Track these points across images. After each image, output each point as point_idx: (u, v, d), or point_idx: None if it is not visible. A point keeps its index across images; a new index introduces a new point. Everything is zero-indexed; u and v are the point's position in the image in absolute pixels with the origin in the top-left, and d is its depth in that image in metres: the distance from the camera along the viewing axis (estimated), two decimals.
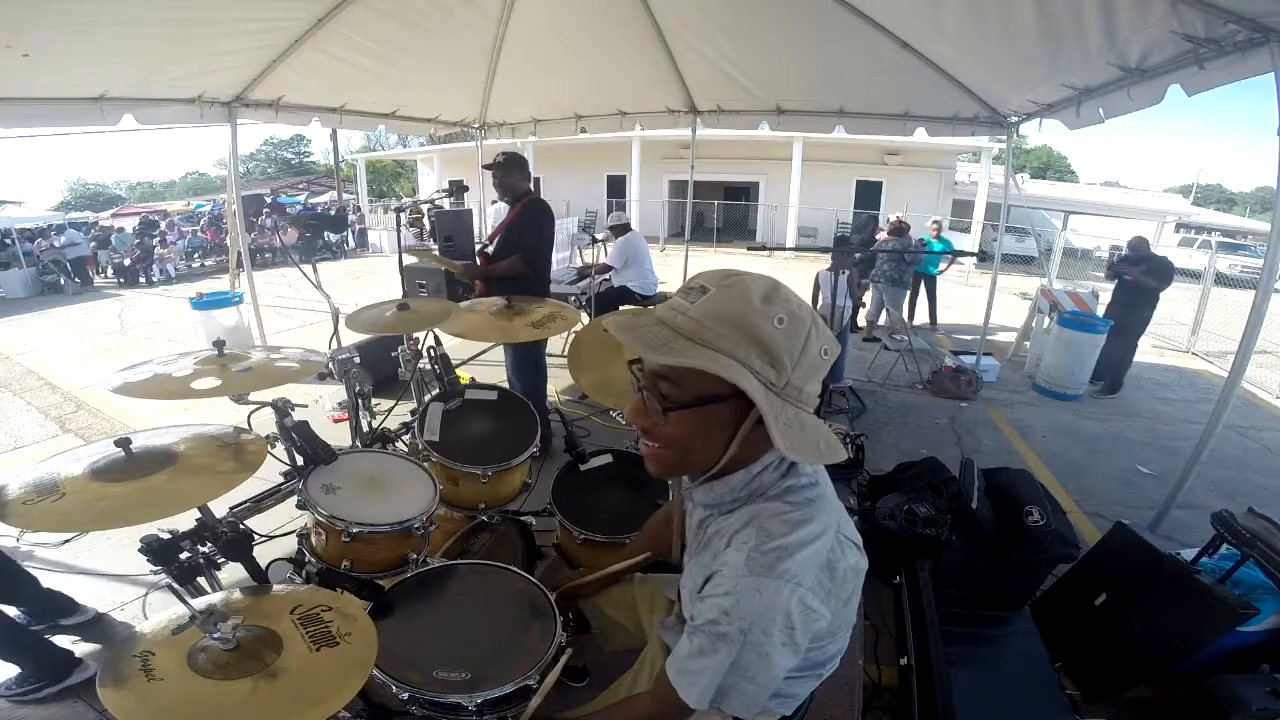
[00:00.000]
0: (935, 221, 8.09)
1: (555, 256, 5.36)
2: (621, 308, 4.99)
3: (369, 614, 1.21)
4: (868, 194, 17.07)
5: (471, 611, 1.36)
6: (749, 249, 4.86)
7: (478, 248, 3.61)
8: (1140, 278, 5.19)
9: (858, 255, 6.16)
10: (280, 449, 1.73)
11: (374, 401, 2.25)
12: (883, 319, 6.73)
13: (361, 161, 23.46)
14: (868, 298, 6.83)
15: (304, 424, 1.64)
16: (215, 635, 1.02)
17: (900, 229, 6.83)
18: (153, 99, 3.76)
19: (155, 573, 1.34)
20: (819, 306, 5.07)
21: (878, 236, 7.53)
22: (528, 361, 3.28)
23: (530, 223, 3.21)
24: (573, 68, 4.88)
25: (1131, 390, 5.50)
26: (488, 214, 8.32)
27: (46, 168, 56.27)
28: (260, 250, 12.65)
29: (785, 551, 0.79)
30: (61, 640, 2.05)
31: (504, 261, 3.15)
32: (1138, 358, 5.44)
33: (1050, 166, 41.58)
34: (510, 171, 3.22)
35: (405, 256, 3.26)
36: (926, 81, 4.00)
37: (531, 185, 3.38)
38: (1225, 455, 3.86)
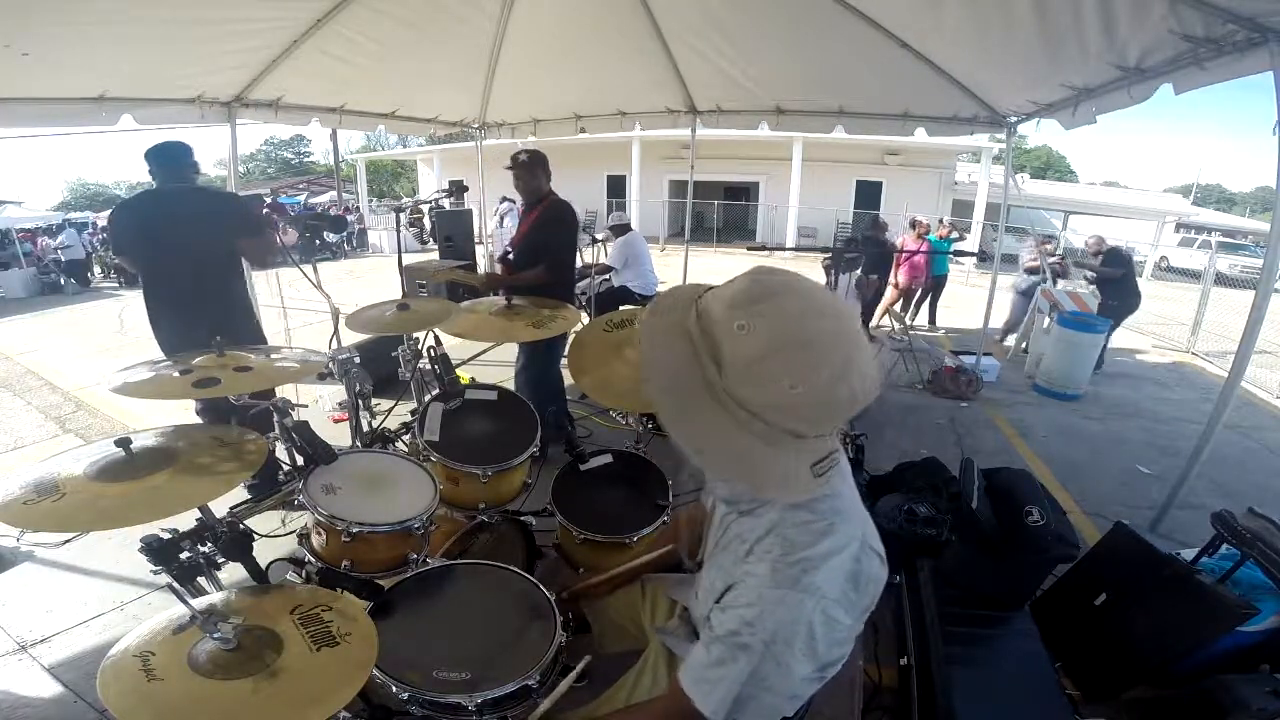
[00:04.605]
0: (952, 224, 8.30)
1: None
2: (622, 307, 4.99)
3: (369, 614, 1.21)
4: (868, 194, 17.07)
5: (471, 611, 1.36)
6: (749, 249, 4.88)
7: (499, 255, 3.50)
8: (1099, 269, 5.78)
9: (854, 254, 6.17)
10: (280, 449, 1.73)
11: (374, 401, 2.25)
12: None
13: (361, 161, 23.45)
14: (890, 296, 7.04)
15: (304, 424, 1.64)
16: (216, 635, 1.02)
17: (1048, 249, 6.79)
18: (153, 99, 3.76)
19: (155, 573, 1.34)
20: None
21: (899, 240, 7.64)
22: (539, 360, 3.20)
23: (551, 228, 3.08)
24: (572, 68, 4.88)
25: (1131, 390, 5.50)
26: (488, 214, 8.32)
27: (46, 168, 56.15)
28: None
29: (811, 564, 0.79)
30: None
31: (529, 271, 3.02)
32: (1139, 357, 5.45)
33: (1050, 166, 41.54)
34: (534, 171, 3.07)
35: (405, 260, 3.19)
36: (926, 81, 4.00)
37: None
38: (1225, 455, 3.86)
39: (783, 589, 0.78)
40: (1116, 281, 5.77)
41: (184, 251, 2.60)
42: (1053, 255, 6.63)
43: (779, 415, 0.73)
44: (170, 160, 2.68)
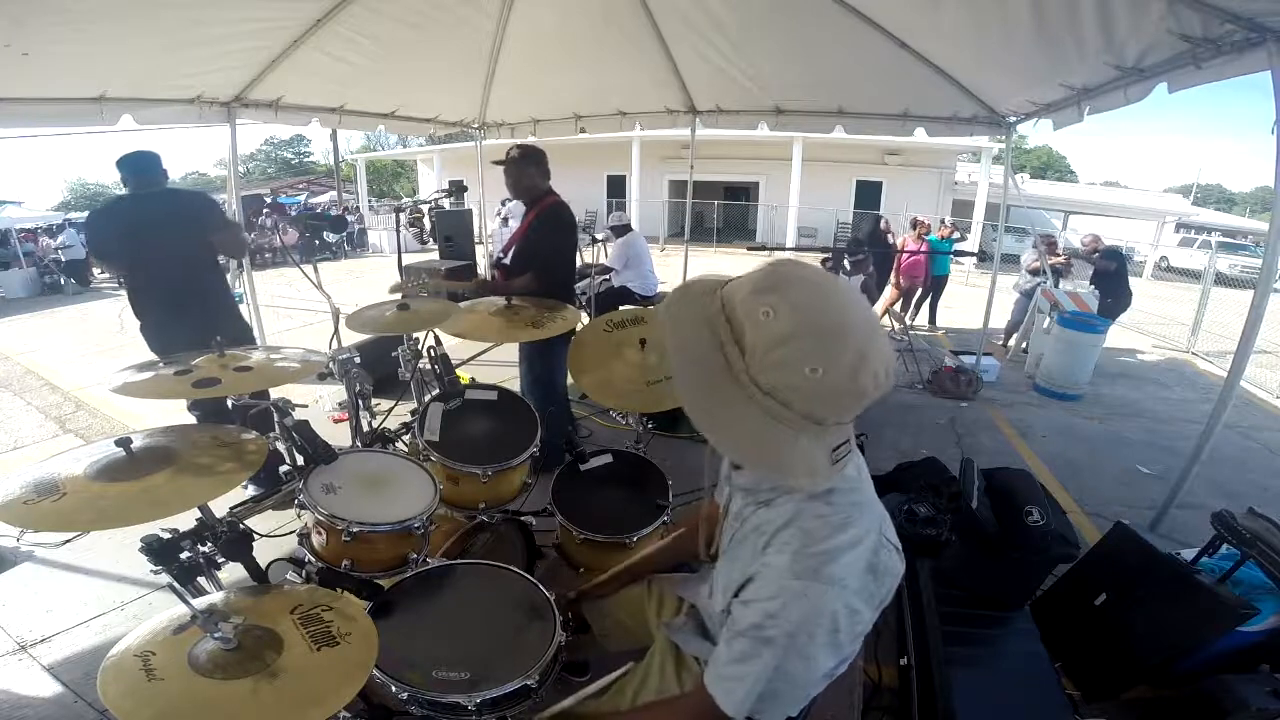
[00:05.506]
0: (953, 224, 8.43)
1: None
2: (622, 307, 4.99)
3: (369, 614, 1.21)
4: (868, 194, 17.08)
5: (471, 611, 1.36)
6: (749, 249, 4.88)
7: (493, 259, 3.42)
8: (1097, 262, 6.15)
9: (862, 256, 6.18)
10: (281, 449, 1.73)
11: (374, 401, 2.25)
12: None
13: (361, 161, 23.45)
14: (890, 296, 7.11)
15: (304, 424, 1.63)
16: (216, 635, 1.02)
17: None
18: (152, 99, 3.76)
19: (155, 572, 1.34)
20: None
21: (899, 241, 7.67)
22: (541, 360, 3.09)
23: (545, 234, 2.90)
24: (572, 68, 4.87)
25: (1131, 390, 5.51)
26: (489, 214, 8.32)
27: (46, 168, 56.08)
28: (260, 250, 12.62)
29: (830, 556, 0.80)
30: None
31: (518, 280, 2.88)
32: (1139, 357, 5.46)
33: (1050, 166, 41.53)
34: (524, 169, 2.85)
35: (403, 260, 3.16)
36: (925, 81, 4.00)
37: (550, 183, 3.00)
38: (1225, 455, 3.86)
39: (804, 580, 0.79)
40: (1112, 278, 6.01)
41: (165, 251, 2.69)
42: (1056, 255, 6.66)
43: (800, 400, 0.74)
44: (142, 168, 2.82)
